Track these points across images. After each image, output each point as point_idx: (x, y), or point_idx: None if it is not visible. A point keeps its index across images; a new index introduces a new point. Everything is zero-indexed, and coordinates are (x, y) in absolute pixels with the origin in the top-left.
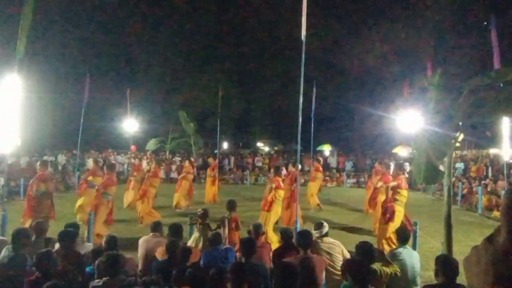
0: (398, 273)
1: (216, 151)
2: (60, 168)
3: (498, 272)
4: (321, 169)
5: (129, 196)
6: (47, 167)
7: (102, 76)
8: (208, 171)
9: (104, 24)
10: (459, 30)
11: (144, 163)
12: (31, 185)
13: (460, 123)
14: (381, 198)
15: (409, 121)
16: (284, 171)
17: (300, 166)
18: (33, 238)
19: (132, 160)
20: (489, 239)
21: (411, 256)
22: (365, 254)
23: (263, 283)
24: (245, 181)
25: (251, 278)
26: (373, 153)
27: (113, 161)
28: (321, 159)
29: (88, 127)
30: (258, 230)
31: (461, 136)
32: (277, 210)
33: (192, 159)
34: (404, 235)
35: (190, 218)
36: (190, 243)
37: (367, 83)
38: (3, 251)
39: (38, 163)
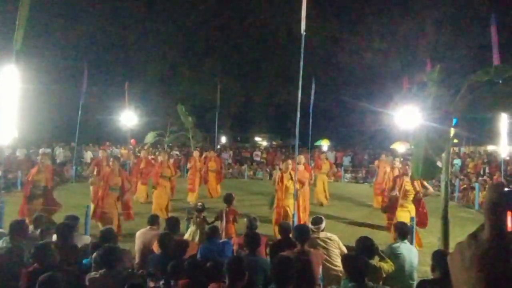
0: (392, 269)
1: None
2: (57, 161)
3: (481, 269)
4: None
5: (143, 191)
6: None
7: (101, 69)
8: (210, 164)
9: (103, 17)
10: (459, 26)
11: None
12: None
13: (458, 119)
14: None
15: (407, 116)
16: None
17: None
18: (31, 230)
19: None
20: (473, 235)
21: (409, 251)
22: (364, 249)
23: (263, 277)
24: (243, 176)
25: (250, 272)
26: (371, 149)
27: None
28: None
29: (86, 120)
30: (253, 223)
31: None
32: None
33: (198, 149)
34: (403, 230)
35: (187, 213)
36: (186, 236)
37: (366, 78)
38: (0, 243)
39: (41, 155)
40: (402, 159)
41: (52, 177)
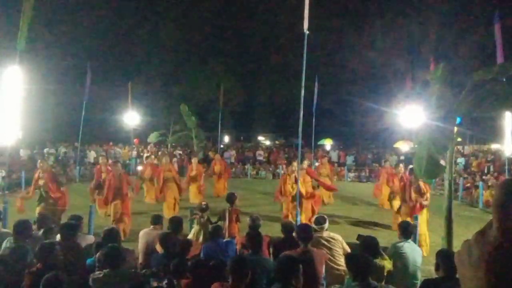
0: (391, 267)
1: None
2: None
3: (489, 267)
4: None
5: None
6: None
7: (104, 69)
8: (216, 168)
9: (106, 17)
10: (462, 24)
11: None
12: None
13: (462, 118)
14: None
15: (411, 115)
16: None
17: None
18: (35, 230)
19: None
20: (481, 233)
21: (413, 250)
22: (368, 248)
23: (266, 277)
24: (246, 175)
25: (253, 272)
26: (374, 148)
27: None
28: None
29: (89, 120)
30: (256, 223)
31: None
32: None
33: (195, 156)
34: (407, 229)
35: (190, 212)
36: (190, 236)
37: (369, 77)
38: (4, 243)
39: (40, 161)
40: (410, 168)
41: (52, 181)
